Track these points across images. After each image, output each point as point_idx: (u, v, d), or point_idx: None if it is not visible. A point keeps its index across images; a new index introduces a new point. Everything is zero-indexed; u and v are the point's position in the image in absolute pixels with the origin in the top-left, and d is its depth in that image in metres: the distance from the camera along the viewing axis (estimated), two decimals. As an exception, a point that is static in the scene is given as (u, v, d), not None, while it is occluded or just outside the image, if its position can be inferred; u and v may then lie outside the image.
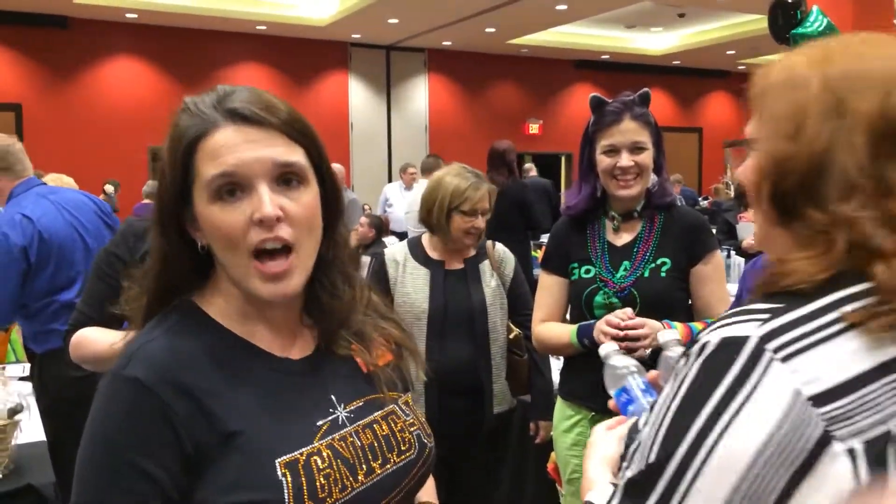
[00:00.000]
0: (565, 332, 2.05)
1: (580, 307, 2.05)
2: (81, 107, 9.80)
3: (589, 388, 2.04)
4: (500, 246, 2.57)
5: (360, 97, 11.70)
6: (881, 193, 0.73)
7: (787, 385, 0.67)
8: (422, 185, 6.29)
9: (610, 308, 1.99)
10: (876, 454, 0.66)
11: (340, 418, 0.95)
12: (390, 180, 10.67)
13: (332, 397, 0.96)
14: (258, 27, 10.29)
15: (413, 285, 2.44)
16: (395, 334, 1.08)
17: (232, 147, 0.87)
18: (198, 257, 0.93)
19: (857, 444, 0.66)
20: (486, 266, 2.50)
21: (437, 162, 6.52)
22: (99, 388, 0.88)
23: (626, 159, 1.95)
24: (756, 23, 10.57)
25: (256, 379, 0.91)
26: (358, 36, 11.00)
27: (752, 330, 0.69)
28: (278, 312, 0.97)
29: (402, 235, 6.88)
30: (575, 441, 2.10)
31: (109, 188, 8.63)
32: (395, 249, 2.56)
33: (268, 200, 0.87)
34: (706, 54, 12.68)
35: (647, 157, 1.97)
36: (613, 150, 1.97)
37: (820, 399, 0.66)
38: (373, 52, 11.68)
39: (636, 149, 1.96)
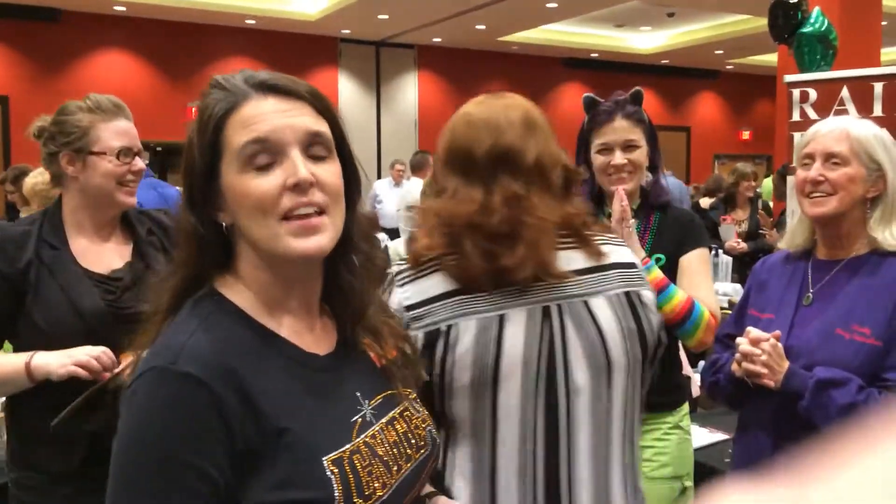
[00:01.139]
0: None
1: None
2: (69, 100, 9.73)
3: None
4: None
5: (349, 92, 11.67)
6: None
7: (397, 299, 1.20)
8: (412, 182, 6.29)
9: None
10: (430, 339, 1.18)
11: (367, 415, 0.96)
12: (379, 176, 10.66)
13: (358, 394, 0.97)
14: (247, 21, 10.25)
15: None
16: (398, 330, 1.10)
17: (264, 115, 0.88)
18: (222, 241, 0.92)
19: (421, 333, 1.18)
20: None
21: (426, 158, 6.52)
22: (137, 387, 0.84)
23: (619, 157, 1.97)
24: (744, 23, 10.63)
25: (291, 375, 0.91)
26: (347, 31, 10.97)
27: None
28: (300, 297, 0.96)
29: (391, 232, 6.88)
30: None
31: None
32: (398, 244, 2.63)
33: (302, 164, 0.87)
34: (695, 54, 12.74)
35: (640, 155, 1.99)
36: (607, 149, 1.99)
37: (409, 307, 1.20)
38: (362, 48, 11.65)
39: (629, 146, 1.98)
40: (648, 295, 1.29)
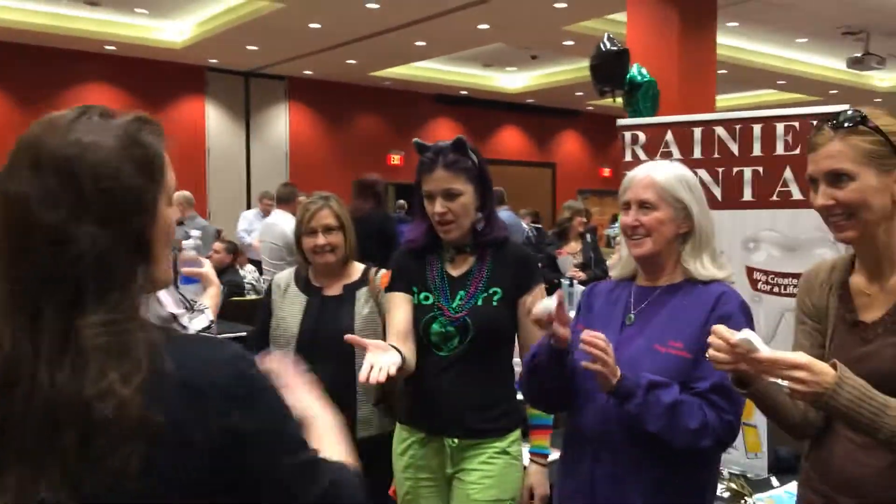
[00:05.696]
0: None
1: (418, 333, 2.12)
2: None
3: (422, 410, 2.13)
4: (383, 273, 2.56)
5: (217, 123, 11.45)
6: None
7: None
8: (277, 214, 6.19)
9: (445, 336, 2.08)
10: None
11: None
12: (248, 208, 10.48)
13: None
14: (106, 47, 9.88)
15: (289, 310, 2.51)
16: None
17: None
18: None
19: None
20: (362, 292, 2.51)
21: (293, 191, 6.45)
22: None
23: (439, 206, 2.06)
24: (601, 67, 11.31)
25: None
26: (215, 61, 10.80)
27: None
28: None
29: (257, 263, 6.76)
30: (407, 464, 2.16)
31: None
32: (281, 275, 2.66)
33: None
34: (557, 94, 13.42)
35: (461, 203, 2.07)
36: (430, 197, 2.09)
37: None
38: (231, 78, 11.49)
39: (448, 195, 2.06)
40: None
